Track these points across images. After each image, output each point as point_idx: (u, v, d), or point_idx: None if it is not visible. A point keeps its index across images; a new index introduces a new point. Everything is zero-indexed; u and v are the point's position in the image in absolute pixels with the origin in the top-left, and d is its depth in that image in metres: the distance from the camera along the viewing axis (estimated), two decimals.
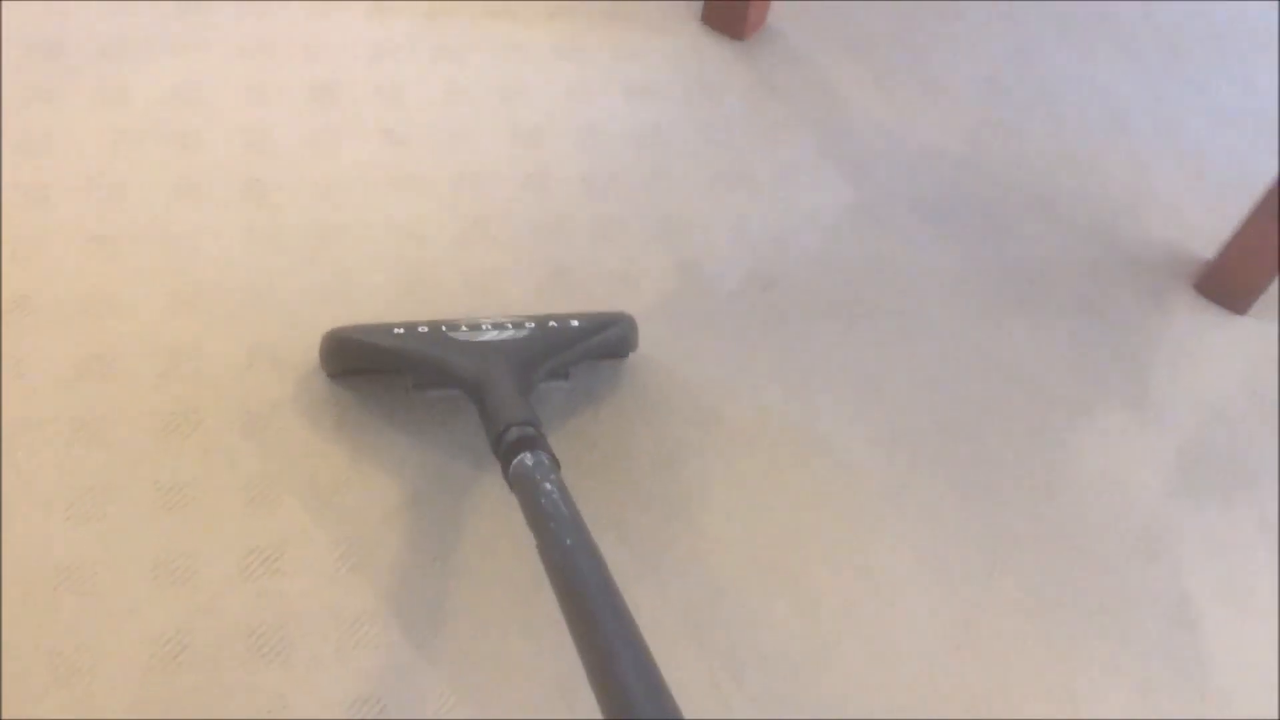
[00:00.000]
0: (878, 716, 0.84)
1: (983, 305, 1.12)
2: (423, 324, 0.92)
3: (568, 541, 0.70)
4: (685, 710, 0.61)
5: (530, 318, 0.93)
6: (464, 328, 0.91)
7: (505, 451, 0.79)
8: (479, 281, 1.04)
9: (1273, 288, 1.15)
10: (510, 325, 0.91)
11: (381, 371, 0.94)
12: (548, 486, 0.75)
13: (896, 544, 0.94)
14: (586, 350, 0.94)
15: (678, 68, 1.27)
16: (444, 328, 0.91)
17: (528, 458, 0.78)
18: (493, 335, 0.90)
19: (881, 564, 0.92)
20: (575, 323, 0.94)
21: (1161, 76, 1.38)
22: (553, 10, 1.29)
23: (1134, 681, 0.89)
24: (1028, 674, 0.89)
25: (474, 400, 0.86)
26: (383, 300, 1.01)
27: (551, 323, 0.93)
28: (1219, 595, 0.95)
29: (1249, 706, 0.89)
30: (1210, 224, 1.21)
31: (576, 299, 1.04)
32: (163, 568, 0.83)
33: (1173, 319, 1.14)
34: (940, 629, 0.90)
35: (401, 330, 0.91)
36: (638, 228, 1.11)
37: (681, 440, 0.96)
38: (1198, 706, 0.88)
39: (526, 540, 0.73)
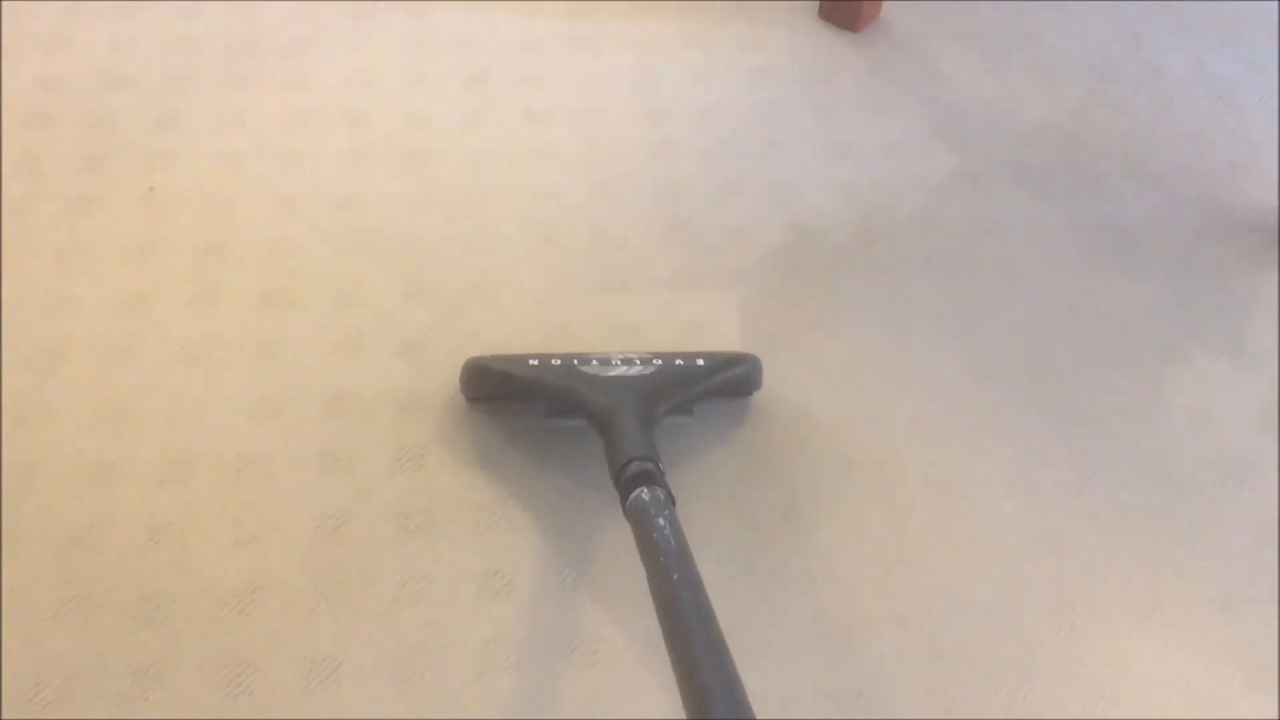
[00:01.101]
0: (962, 614, 0.91)
1: (1082, 260, 1.18)
2: (556, 356, 0.97)
3: (675, 576, 0.74)
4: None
5: (658, 354, 0.98)
6: (594, 362, 0.96)
7: (624, 484, 0.83)
8: (605, 233, 1.16)
9: None
10: (638, 361, 0.96)
11: (516, 399, 1.00)
12: (660, 522, 0.79)
13: (989, 465, 1.00)
14: (710, 388, 0.97)
15: (795, 56, 1.37)
16: (575, 361, 0.96)
17: (644, 493, 0.81)
18: (621, 371, 0.95)
19: (974, 481, 0.99)
20: (701, 361, 0.98)
21: (1268, 59, 1.42)
22: (682, 9, 1.42)
23: (1216, 593, 0.93)
24: (1112, 582, 0.94)
25: (600, 432, 0.91)
26: (520, 250, 1.14)
27: (678, 360, 0.97)
28: None
29: None
30: None
31: (694, 251, 1.15)
32: (328, 457, 0.97)
33: (1268, 274, 1.18)
34: (1028, 538, 0.96)
35: (536, 362, 0.96)
36: (753, 191, 1.22)
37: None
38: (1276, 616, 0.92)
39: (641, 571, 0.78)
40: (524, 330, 1.07)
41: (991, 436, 1.02)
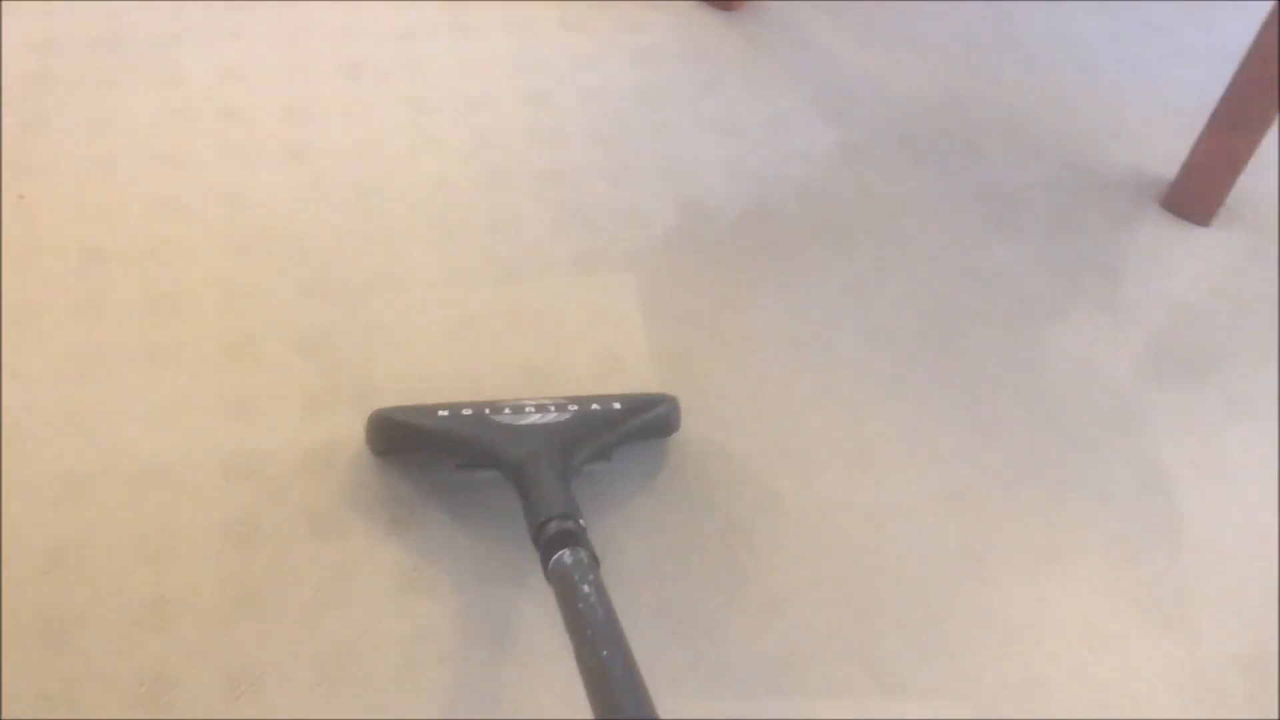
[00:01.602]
0: (876, 573, 0.93)
1: (963, 224, 1.22)
2: (467, 405, 0.93)
3: (604, 652, 0.71)
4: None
5: (573, 399, 0.94)
6: (507, 410, 0.92)
7: (545, 545, 0.79)
8: (499, 220, 1.15)
9: (1232, 199, 1.24)
10: (553, 408, 0.92)
11: (426, 452, 0.95)
12: (585, 589, 0.75)
13: (893, 428, 1.03)
14: (628, 433, 0.95)
15: (674, 36, 1.38)
16: (487, 410, 0.92)
17: (566, 555, 0.78)
18: (535, 419, 0.91)
19: (880, 445, 1.02)
20: (617, 405, 0.94)
21: (1128, 24, 1.48)
22: None
23: (1111, 537, 0.98)
24: (1013, 531, 0.98)
25: (515, 486, 0.87)
26: (414, 240, 1.12)
27: (594, 405, 0.94)
28: (1189, 464, 1.04)
29: (1217, 557, 0.97)
30: (1175, 151, 1.29)
31: (589, 234, 1.15)
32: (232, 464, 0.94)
33: (1141, 232, 1.24)
34: (934, 496, 0.99)
35: (446, 413, 0.92)
36: (643, 172, 1.22)
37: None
38: (1170, 557, 0.97)
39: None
40: (429, 325, 1.06)
41: (893, 400, 1.05)
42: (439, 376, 1.02)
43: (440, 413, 0.92)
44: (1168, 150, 1.27)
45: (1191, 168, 1.22)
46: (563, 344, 1.06)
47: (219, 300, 1.05)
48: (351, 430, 0.97)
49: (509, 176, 1.20)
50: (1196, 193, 1.23)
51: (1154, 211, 1.26)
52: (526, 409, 0.92)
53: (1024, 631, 0.91)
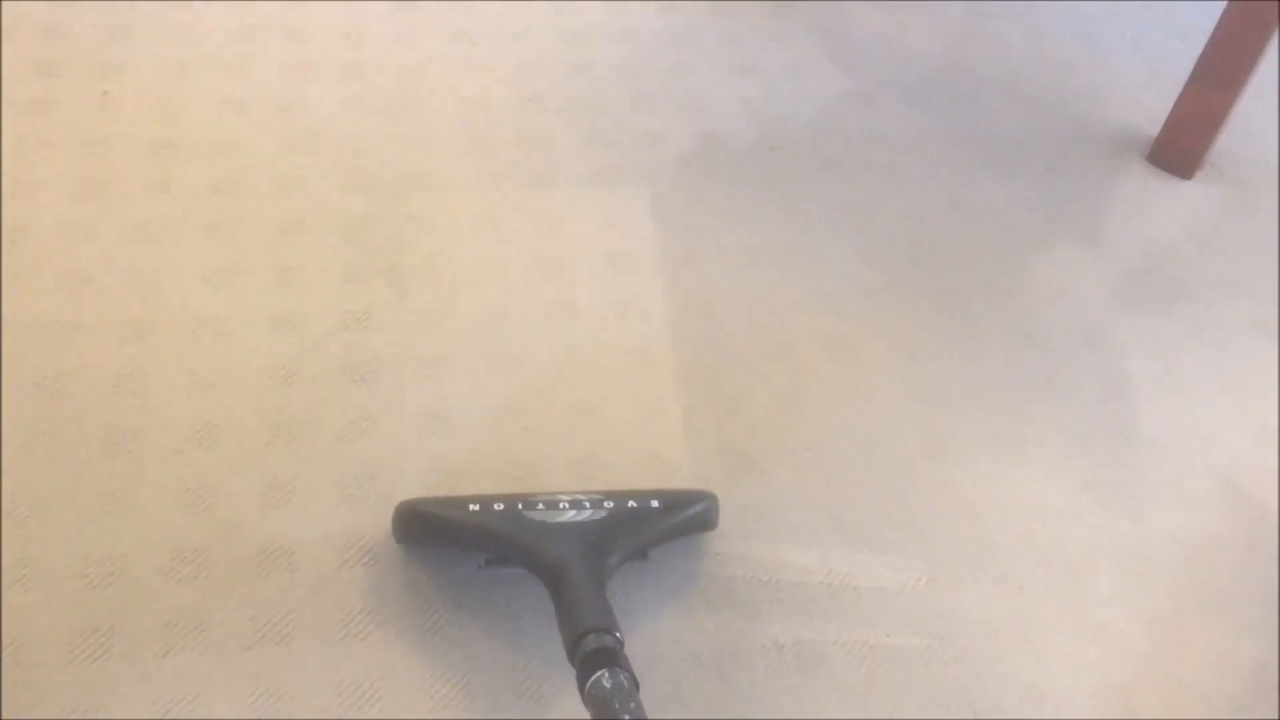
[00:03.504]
0: (850, 449, 1.03)
1: (958, 163, 1.31)
2: (499, 499, 0.89)
3: None
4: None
5: (609, 495, 0.91)
6: (541, 505, 0.88)
7: (582, 663, 0.76)
8: (530, 136, 1.27)
9: (1216, 157, 1.33)
10: (588, 504, 0.89)
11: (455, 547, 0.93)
12: (626, 719, 0.72)
13: (875, 330, 1.13)
14: (666, 532, 0.92)
15: None
16: (520, 505, 0.88)
17: (605, 679, 0.74)
18: (570, 516, 0.88)
19: (862, 343, 1.12)
20: (655, 503, 0.91)
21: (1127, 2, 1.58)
22: None
23: (1070, 434, 1.07)
24: (981, 424, 1.07)
25: (550, 590, 0.84)
26: (452, 148, 1.24)
27: (631, 502, 0.90)
28: (1149, 380, 1.12)
29: (1165, 455, 1.06)
30: (1164, 112, 1.39)
31: (611, 152, 1.26)
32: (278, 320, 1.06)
33: (1125, 182, 1.33)
34: (908, 388, 1.08)
35: (477, 507, 0.88)
36: (664, 105, 1.33)
37: None
38: (1123, 453, 1.06)
39: None
40: (457, 219, 1.17)
41: (878, 308, 1.15)
42: (462, 264, 1.13)
43: (471, 507, 0.89)
44: (1157, 111, 1.36)
45: (1173, 123, 1.31)
46: (572, 242, 1.17)
47: (273, 188, 1.17)
48: (384, 297, 1.08)
49: (542, 100, 1.31)
50: (1179, 147, 1.32)
51: (1140, 165, 1.35)
52: (561, 504, 0.89)
53: (979, 503, 1.00)
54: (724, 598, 0.92)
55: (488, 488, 0.97)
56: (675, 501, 0.93)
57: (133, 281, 1.07)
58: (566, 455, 1.00)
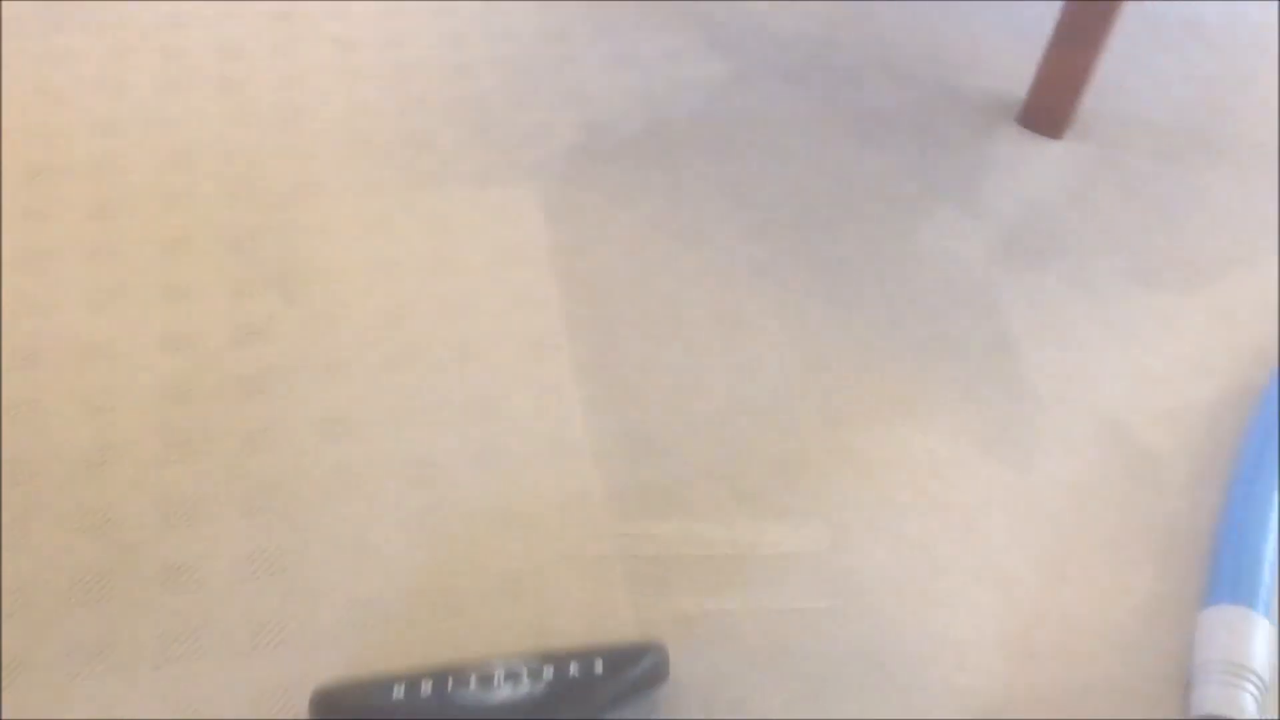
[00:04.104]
0: (745, 419, 1.05)
1: (838, 139, 1.35)
2: (426, 675, 0.83)
3: None
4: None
5: (548, 658, 0.85)
6: (474, 681, 0.82)
7: None
8: (417, 139, 1.27)
9: (1084, 116, 1.38)
10: (526, 675, 0.82)
11: None
12: None
13: (766, 302, 1.15)
14: (613, 698, 0.85)
15: None
16: (450, 683, 0.82)
17: None
18: (506, 694, 0.81)
19: (753, 315, 1.14)
20: (599, 666, 0.85)
21: None
22: None
23: (959, 390, 1.10)
24: (872, 387, 1.10)
25: None
26: (337, 155, 1.24)
27: (573, 667, 0.84)
28: (1031, 332, 1.16)
29: (1050, 404, 1.10)
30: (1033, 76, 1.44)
31: (497, 149, 1.27)
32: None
33: (998, 145, 1.37)
34: (800, 355, 1.11)
35: (402, 692, 0.82)
36: (547, 99, 1.35)
37: None
38: (1010, 404, 1.10)
39: None
40: (345, 224, 1.17)
41: (767, 280, 1.18)
42: (354, 269, 1.14)
43: (396, 692, 0.82)
44: (1026, 75, 1.40)
45: (1039, 84, 1.36)
46: (463, 241, 1.18)
47: (155, 207, 1.16)
48: (275, 308, 1.08)
49: (425, 102, 1.32)
50: (1046, 108, 1.37)
51: (1012, 128, 1.39)
52: (496, 677, 0.82)
53: (876, 464, 1.03)
54: (627, 575, 0.94)
55: (389, 489, 0.97)
56: (620, 660, 0.86)
57: (17, 310, 1.06)
58: (469, 449, 1.01)
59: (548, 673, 0.83)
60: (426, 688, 0.82)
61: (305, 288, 1.10)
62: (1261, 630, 0.91)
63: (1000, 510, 1.02)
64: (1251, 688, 0.88)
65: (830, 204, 1.27)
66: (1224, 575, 0.96)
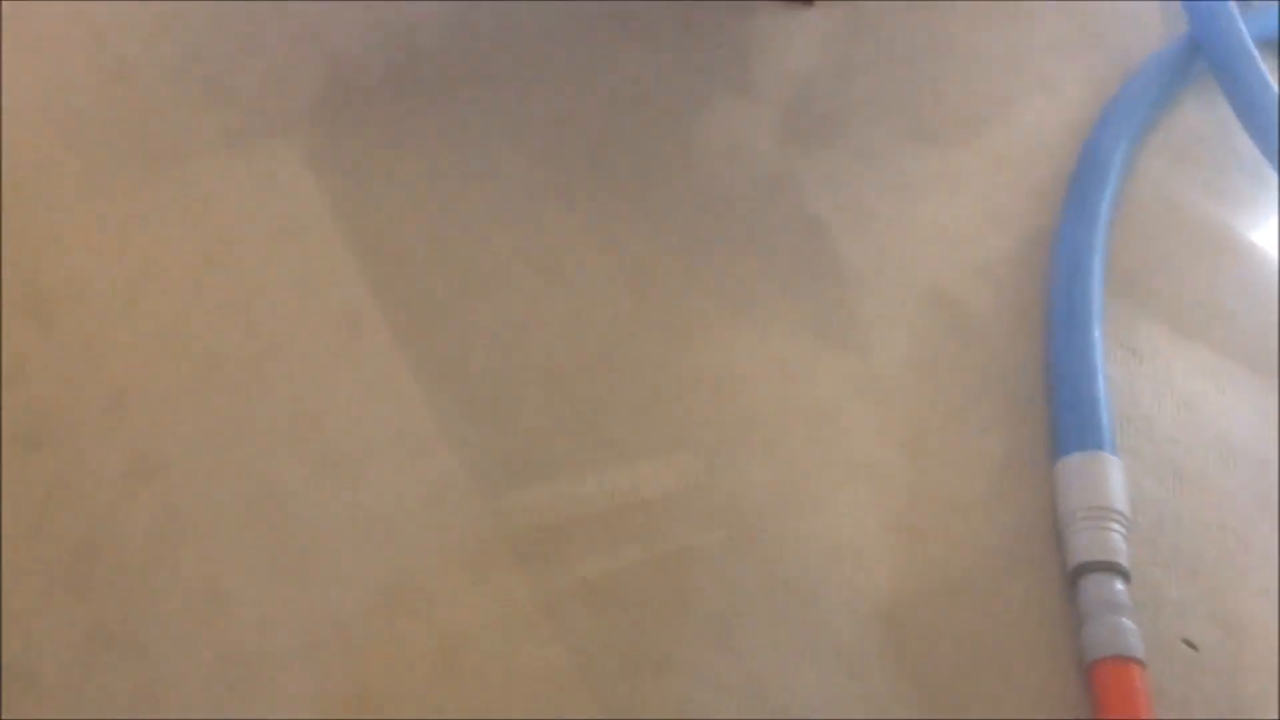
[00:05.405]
0: (578, 367, 1.00)
1: (600, 43, 1.27)
2: None
3: None
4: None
5: None
6: None
7: None
8: (139, 110, 1.11)
9: None
10: None
11: None
12: None
13: (574, 234, 1.09)
14: None
15: None
16: None
17: None
18: None
19: (566, 254, 1.07)
20: None
21: None
22: None
23: (784, 285, 1.08)
24: (701, 299, 1.06)
25: None
26: (46, 150, 1.06)
27: None
28: (836, 211, 1.16)
29: (873, 281, 1.10)
30: None
31: (231, 101, 1.12)
32: None
33: (756, 20, 1.34)
34: (623, 286, 1.06)
35: None
36: (277, 39, 1.20)
37: None
38: (837, 290, 1.09)
39: None
40: (82, 222, 1.01)
41: (570, 206, 1.11)
42: (111, 280, 0.98)
43: None
44: None
45: None
46: (230, 220, 1.04)
47: None
48: (30, 340, 0.92)
49: (136, 65, 1.14)
50: None
51: (768, 4, 1.36)
52: None
53: (729, 380, 1.01)
54: (514, 555, 0.88)
55: (226, 525, 0.86)
56: None
57: None
58: (304, 463, 0.91)
59: None
60: None
61: (59, 312, 0.95)
62: (1113, 468, 0.95)
63: (854, 399, 1.02)
64: (1117, 526, 0.92)
65: (611, 113, 1.20)
66: (1067, 426, 0.99)
